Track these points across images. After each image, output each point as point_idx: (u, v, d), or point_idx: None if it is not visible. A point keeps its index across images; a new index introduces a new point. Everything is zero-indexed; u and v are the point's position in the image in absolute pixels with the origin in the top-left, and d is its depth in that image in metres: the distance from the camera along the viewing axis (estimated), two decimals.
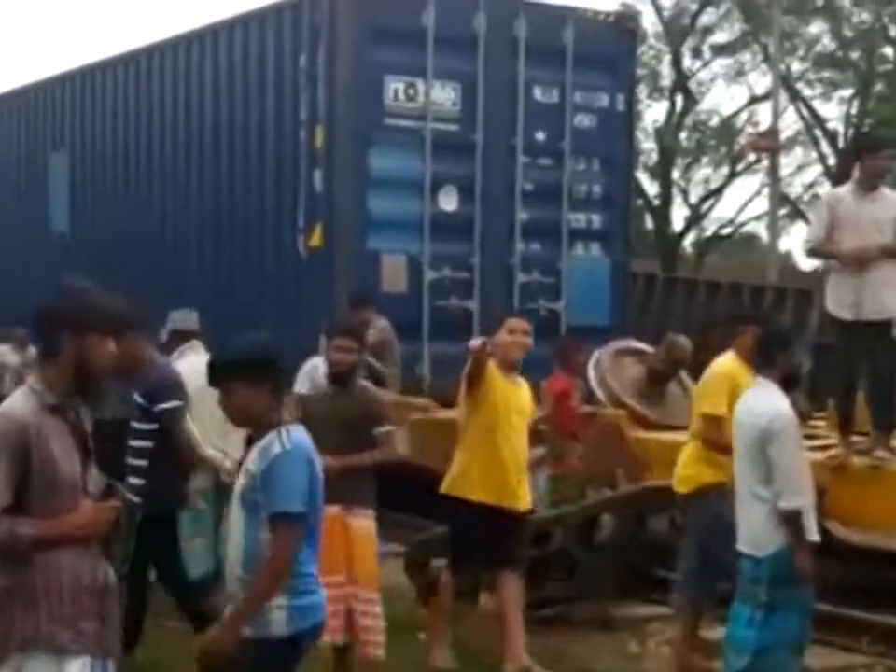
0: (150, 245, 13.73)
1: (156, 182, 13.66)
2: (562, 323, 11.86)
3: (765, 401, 5.57)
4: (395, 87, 11.09)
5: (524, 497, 6.86)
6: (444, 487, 6.89)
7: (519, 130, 11.61)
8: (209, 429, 7.36)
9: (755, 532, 5.56)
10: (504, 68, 11.52)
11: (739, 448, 5.66)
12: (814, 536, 5.43)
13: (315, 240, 11.29)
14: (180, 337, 8.12)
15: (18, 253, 16.04)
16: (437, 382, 11.19)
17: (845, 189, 8.31)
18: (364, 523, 6.35)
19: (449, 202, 11.43)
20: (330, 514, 5.92)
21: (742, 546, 5.63)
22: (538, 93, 11.75)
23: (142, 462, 6.64)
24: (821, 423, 9.38)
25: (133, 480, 6.51)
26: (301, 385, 8.38)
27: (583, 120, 11.96)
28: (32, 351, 9.41)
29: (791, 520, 5.38)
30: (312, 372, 8.47)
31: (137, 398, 6.65)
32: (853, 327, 7.75)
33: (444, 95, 11.30)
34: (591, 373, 10.09)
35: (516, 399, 6.88)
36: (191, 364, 7.66)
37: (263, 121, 11.89)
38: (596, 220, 12.20)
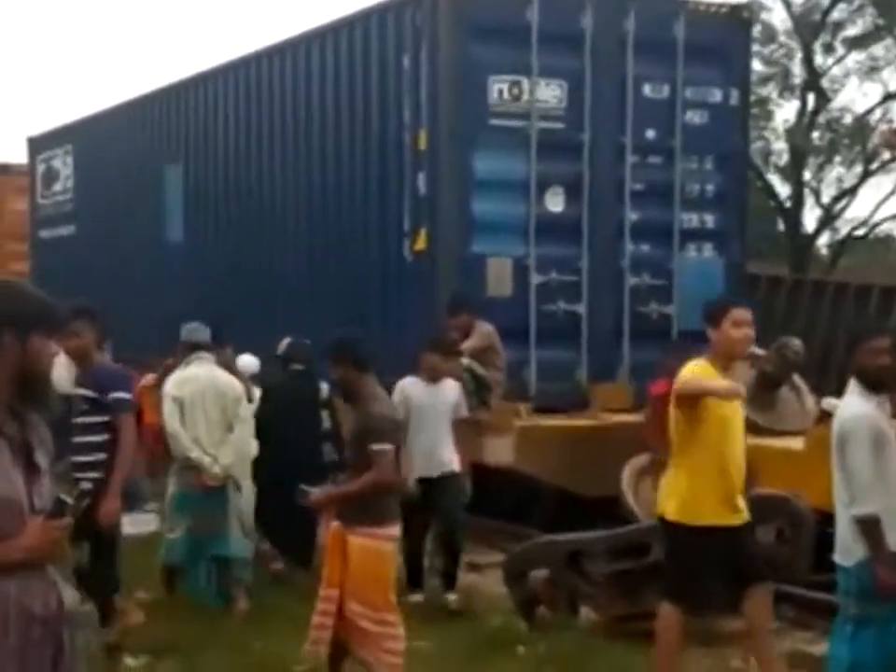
0: (260, 252, 13.78)
1: (266, 189, 13.69)
2: (674, 327, 11.49)
3: (845, 404, 5.38)
4: (499, 86, 10.85)
5: (744, 506, 6.28)
6: (673, 514, 6.17)
7: (628, 128, 11.27)
8: (201, 435, 8.10)
9: (843, 540, 5.34)
10: (612, 64, 11.20)
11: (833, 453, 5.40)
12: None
13: (420, 244, 11.13)
14: (188, 348, 8.47)
15: (135, 263, 16.24)
16: (543, 388, 10.95)
17: None
18: (358, 541, 6.00)
19: (555, 203, 11.14)
20: (333, 529, 6.08)
21: (835, 555, 5.35)
22: (647, 90, 11.39)
23: (98, 456, 6.78)
24: None
25: (92, 474, 6.65)
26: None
27: (695, 117, 11.56)
28: None
29: (865, 527, 5.13)
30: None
31: (86, 391, 6.81)
32: None
33: (550, 93, 11.02)
34: None
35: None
36: (191, 373, 8.30)
37: (367, 125, 11.78)
38: (710, 220, 11.78)
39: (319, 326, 12.55)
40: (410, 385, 8.59)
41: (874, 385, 5.31)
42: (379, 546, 6.01)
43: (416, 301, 11.16)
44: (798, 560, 7.20)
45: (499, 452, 10.15)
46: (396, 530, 6.16)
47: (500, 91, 10.86)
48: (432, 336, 8.96)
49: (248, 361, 10.26)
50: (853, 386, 5.39)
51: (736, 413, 6.21)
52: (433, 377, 8.58)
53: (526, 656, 7.16)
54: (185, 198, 15.40)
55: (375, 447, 5.95)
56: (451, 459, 8.46)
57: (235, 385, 8.45)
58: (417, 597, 8.37)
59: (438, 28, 10.81)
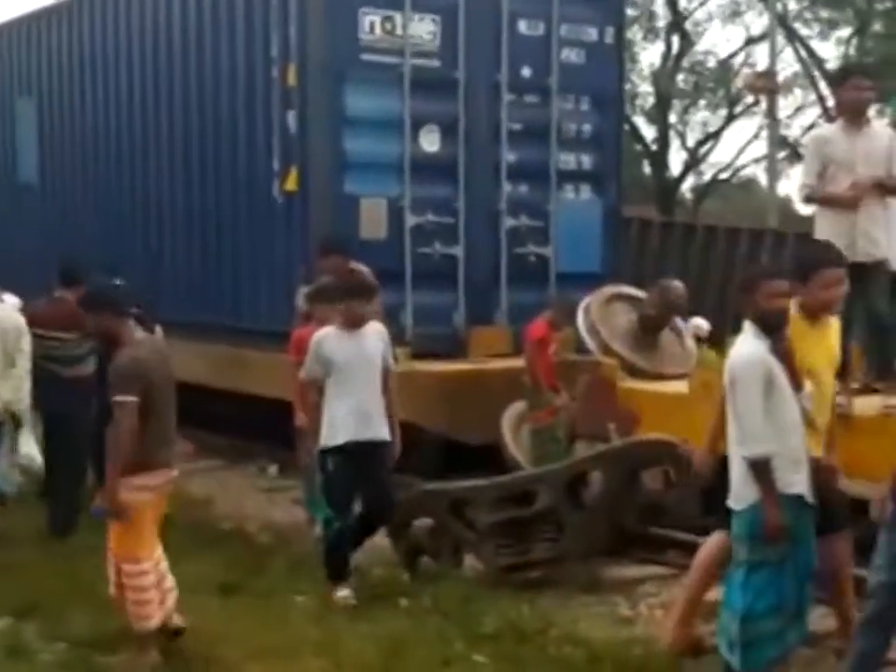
0: (121, 192, 13.24)
1: (124, 127, 13.12)
2: (551, 269, 11.31)
3: (738, 346, 5.25)
4: (370, 20, 10.45)
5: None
6: None
7: (503, 65, 10.98)
8: None
9: (735, 484, 5.23)
10: (486, 0, 10.89)
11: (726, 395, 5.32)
12: (793, 488, 5.02)
13: (291, 184, 10.73)
14: None
15: None
16: (420, 332, 10.69)
17: (834, 127, 7.94)
18: None
19: (431, 142, 10.82)
20: None
21: (729, 500, 5.27)
22: (522, 26, 11.10)
23: None
24: None
25: None
26: None
27: (571, 55, 11.32)
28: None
29: (756, 469, 5.04)
30: None
31: None
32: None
33: (423, 29, 10.66)
34: (580, 321, 9.61)
35: None
36: None
37: (233, 59, 11.29)
38: (587, 161, 11.59)
39: (188, 270, 12.22)
40: (328, 338, 7.22)
41: (770, 327, 5.19)
42: (127, 496, 5.91)
43: (288, 244, 10.79)
44: (685, 505, 7.09)
45: None
46: (151, 479, 6.02)
47: (372, 26, 10.46)
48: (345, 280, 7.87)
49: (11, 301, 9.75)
50: (748, 328, 5.26)
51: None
52: (354, 323, 7.24)
53: (410, 608, 6.93)
54: (39, 134, 14.72)
55: (117, 398, 5.87)
56: (383, 423, 7.25)
57: (17, 319, 8.25)
58: (345, 593, 7.15)
59: None
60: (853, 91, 7.60)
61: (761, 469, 5.02)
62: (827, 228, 7.69)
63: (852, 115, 7.58)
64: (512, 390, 9.68)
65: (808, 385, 5.31)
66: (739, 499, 5.18)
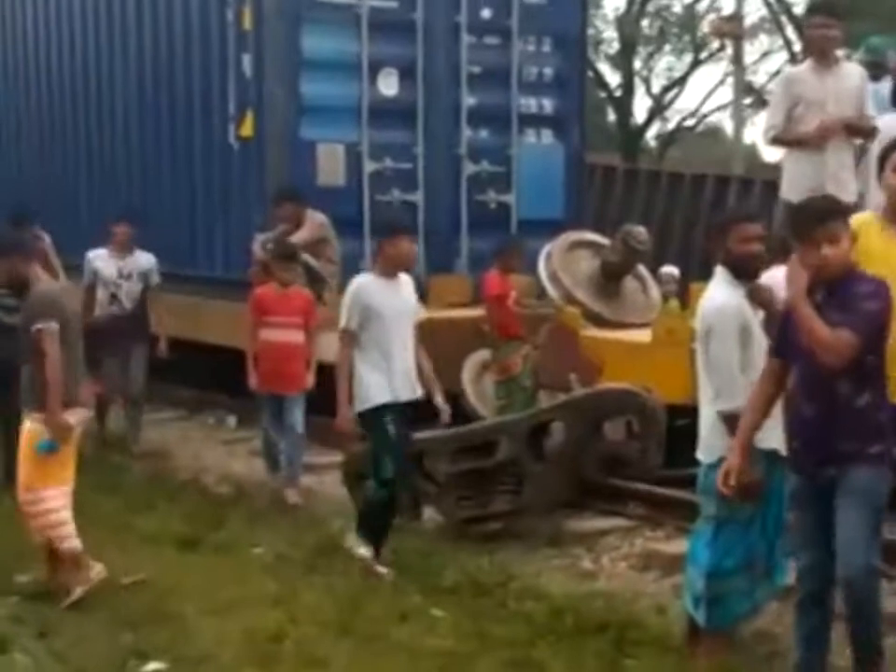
0: (75, 138, 12.92)
1: (78, 71, 12.77)
2: (513, 216, 11.11)
3: (710, 293, 5.04)
4: None
5: None
6: None
7: (462, 6, 10.72)
8: None
9: (706, 437, 5.05)
10: None
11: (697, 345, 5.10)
12: (766, 443, 4.83)
13: (246, 129, 10.45)
14: None
15: None
16: None
17: (803, 67, 7.77)
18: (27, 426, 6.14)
19: (389, 86, 10.57)
20: None
21: (697, 452, 5.09)
22: None
23: None
24: None
25: None
26: None
27: None
28: None
29: (731, 423, 4.81)
30: None
31: None
32: None
33: None
34: (541, 268, 9.44)
35: None
36: None
37: (187, 3, 10.97)
38: (548, 105, 11.36)
39: (146, 217, 11.95)
40: (369, 287, 6.60)
41: (743, 273, 4.98)
42: (34, 426, 6.02)
43: (244, 190, 10.53)
44: (648, 456, 6.96)
45: (334, 348, 9.67)
46: (70, 416, 6.04)
47: None
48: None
49: None
50: (720, 275, 5.05)
51: None
52: (393, 271, 6.65)
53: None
54: None
55: (40, 325, 5.94)
56: (417, 381, 6.76)
57: None
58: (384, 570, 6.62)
59: None
60: (817, 30, 7.45)
61: (735, 424, 4.78)
62: (795, 171, 7.55)
63: (820, 54, 7.43)
64: (473, 340, 9.53)
65: None
66: (709, 452, 5.00)
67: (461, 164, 10.89)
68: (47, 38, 13.31)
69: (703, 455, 5.05)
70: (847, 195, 7.19)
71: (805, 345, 4.42)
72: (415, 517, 7.42)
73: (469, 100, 10.86)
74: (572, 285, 9.29)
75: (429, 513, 7.47)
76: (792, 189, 7.43)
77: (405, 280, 6.73)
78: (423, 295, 10.50)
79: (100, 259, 9.84)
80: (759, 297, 4.99)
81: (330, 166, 10.34)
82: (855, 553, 4.36)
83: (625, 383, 7.30)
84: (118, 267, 9.81)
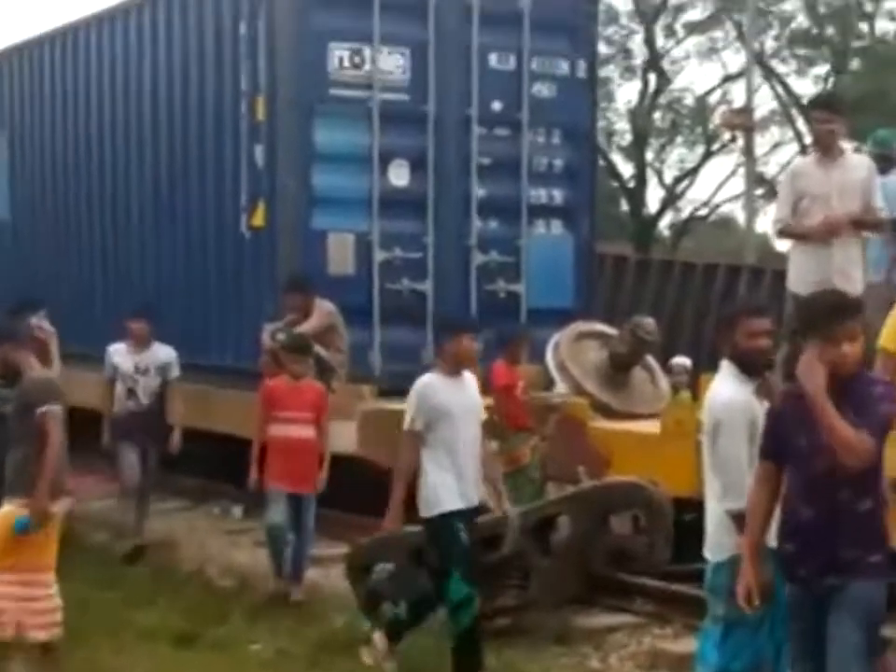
0: (91, 227, 13.07)
1: (95, 162, 12.94)
2: (522, 306, 11.12)
3: (718, 388, 4.93)
4: (339, 54, 10.31)
5: None
6: None
7: (473, 99, 10.82)
8: None
9: (713, 534, 4.91)
10: (456, 33, 10.73)
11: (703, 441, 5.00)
12: (774, 541, 4.69)
13: (258, 219, 10.55)
14: None
15: None
16: (388, 370, 10.48)
17: (808, 160, 7.79)
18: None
19: (399, 177, 10.66)
20: None
21: (705, 551, 4.97)
22: (493, 60, 10.94)
23: None
24: None
25: None
26: None
27: (542, 89, 11.17)
28: None
29: (739, 522, 4.67)
30: None
31: None
32: None
33: (393, 63, 10.52)
34: (549, 359, 9.42)
35: None
36: None
37: (203, 95, 11.13)
38: (558, 196, 11.41)
39: (158, 305, 11.99)
40: (432, 384, 6.48)
41: (750, 368, 4.88)
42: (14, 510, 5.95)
43: (255, 279, 10.60)
44: (655, 551, 6.86)
45: (342, 438, 9.64)
46: (54, 505, 6.02)
47: (341, 60, 10.32)
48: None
49: None
50: (727, 369, 4.95)
51: None
52: (457, 369, 6.51)
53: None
54: (10, 169, 14.53)
55: (44, 408, 5.97)
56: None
57: None
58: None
59: None
60: (818, 124, 7.50)
61: (744, 523, 4.62)
62: (801, 264, 7.54)
63: (824, 148, 7.46)
64: (483, 429, 9.46)
65: None
66: (717, 550, 4.87)
67: (471, 254, 10.93)
68: (63, 136, 13.50)
69: (710, 553, 4.93)
70: (854, 289, 7.18)
71: (806, 446, 4.29)
72: None
73: (479, 191, 10.92)
74: (580, 375, 9.26)
75: None
76: (799, 282, 7.42)
77: (469, 378, 6.55)
78: None
79: (118, 353, 9.77)
80: (770, 392, 4.90)
81: (341, 255, 10.39)
82: None
83: (633, 475, 7.24)
84: (135, 362, 9.71)
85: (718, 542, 4.87)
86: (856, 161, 7.68)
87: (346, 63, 10.35)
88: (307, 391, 8.28)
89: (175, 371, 9.84)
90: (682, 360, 11.65)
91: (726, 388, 4.89)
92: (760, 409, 4.82)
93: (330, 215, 10.36)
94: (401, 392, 10.25)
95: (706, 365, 11.97)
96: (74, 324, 11.75)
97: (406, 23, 10.54)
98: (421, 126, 10.63)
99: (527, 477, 8.84)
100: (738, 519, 4.69)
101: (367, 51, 10.39)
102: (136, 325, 9.75)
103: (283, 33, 10.22)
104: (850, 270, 7.35)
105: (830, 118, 7.41)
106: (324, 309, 9.82)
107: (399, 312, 10.54)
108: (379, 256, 10.51)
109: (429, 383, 6.46)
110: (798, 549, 4.37)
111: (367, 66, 10.40)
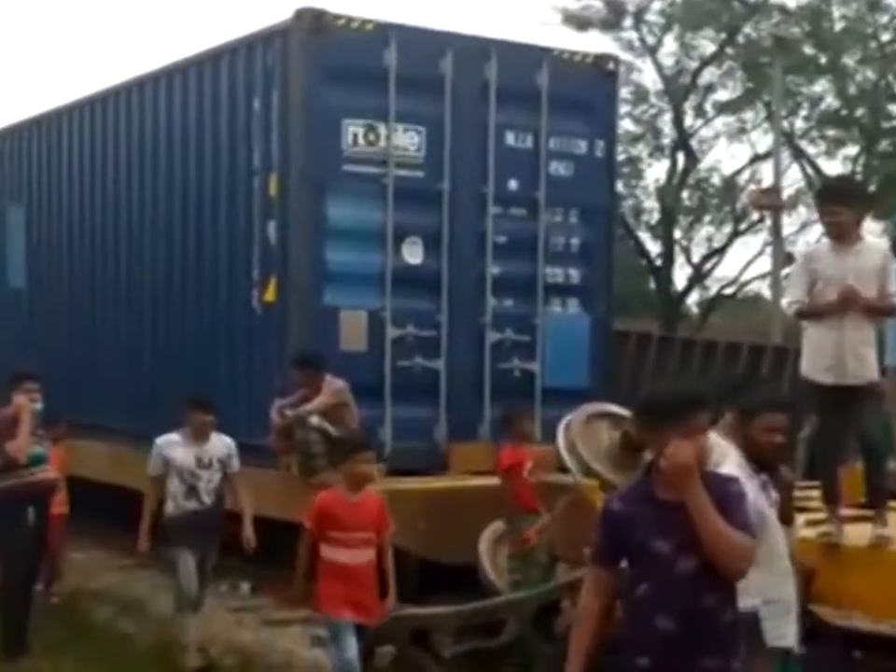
0: (104, 300, 13.12)
1: (109, 234, 13.04)
2: (537, 385, 11.00)
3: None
4: (354, 131, 10.31)
5: None
6: None
7: (490, 178, 10.80)
8: None
9: None
10: (473, 111, 10.74)
11: None
12: (784, 641, 4.48)
13: (270, 295, 10.52)
14: None
15: None
16: (399, 448, 10.37)
17: (822, 245, 7.63)
18: None
19: (413, 254, 10.61)
20: None
21: None
22: (510, 139, 10.95)
23: None
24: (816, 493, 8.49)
25: None
26: None
27: (559, 168, 11.15)
28: None
29: (745, 622, 4.39)
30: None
31: None
32: (834, 392, 6.94)
33: (408, 140, 10.52)
34: (560, 440, 9.21)
35: None
36: None
37: (217, 170, 11.18)
38: (575, 275, 11.35)
39: (169, 381, 11.96)
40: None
41: (763, 463, 4.74)
42: None
43: (266, 355, 10.54)
44: None
45: None
46: None
47: (355, 136, 10.32)
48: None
49: None
50: (734, 457, 4.75)
51: None
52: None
53: None
54: (27, 241, 14.63)
55: None
56: None
57: None
58: None
59: (289, 69, 10.27)
60: (823, 217, 7.37)
61: (749, 625, 4.43)
62: (815, 347, 7.39)
63: (832, 237, 7.34)
64: (494, 509, 9.31)
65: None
66: None
67: (485, 332, 10.85)
68: (79, 209, 13.66)
69: None
70: (869, 373, 7.02)
71: (669, 549, 3.91)
72: None
73: (494, 269, 10.87)
74: (590, 456, 9.05)
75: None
76: (813, 366, 7.27)
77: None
78: (443, 462, 10.46)
79: (173, 446, 8.46)
80: (783, 488, 4.72)
81: (353, 332, 10.33)
82: None
83: None
84: (196, 455, 8.45)
85: None
86: (872, 246, 7.50)
87: (361, 140, 10.35)
88: (368, 505, 7.08)
89: (236, 464, 8.65)
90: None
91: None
92: (766, 503, 4.66)
93: (343, 291, 10.30)
94: (412, 471, 10.24)
95: None
96: (84, 396, 11.74)
97: (422, 100, 10.55)
98: (436, 204, 10.61)
99: (534, 559, 8.65)
100: (743, 618, 4.37)
101: (382, 128, 10.39)
102: (202, 417, 8.50)
103: (296, 109, 10.23)
104: (863, 351, 7.19)
105: (833, 209, 7.29)
106: (334, 386, 9.74)
107: (410, 389, 10.44)
108: (392, 333, 10.44)
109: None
110: (654, 663, 3.96)
111: (381, 143, 10.40)
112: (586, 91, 11.28)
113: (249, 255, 10.69)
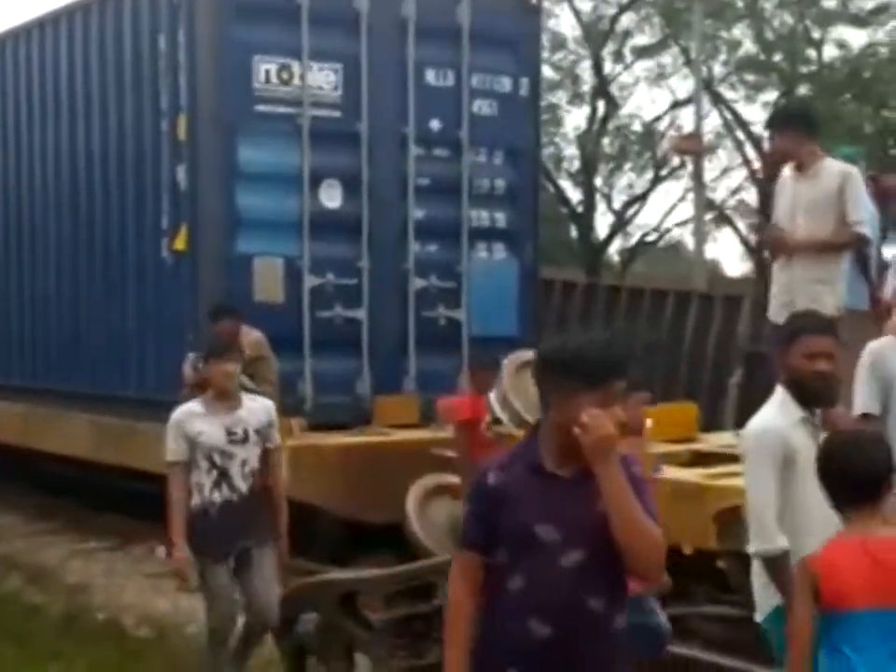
0: (9, 252, 12.48)
1: (11, 183, 12.37)
2: (464, 333, 10.59)
3: (756, 415, 4.28)
4: (266, 69, 9.76)
5: None
6: None
7: (410, 117, 10.31)
8: None
9: (755, 591, 4.25)
10: (391, 48, 10.23)
11: None
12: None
13: (180, 243, 9.96)
14: None
15: None
16: (320, 402, 9.92)
17: (787, 172, 7.23)
18: None
19: (331, 198, 10.10)
20: None
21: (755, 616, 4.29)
22: (430, 77, 10.46)
23: None
24: None
25: None
26: None
27: (483, 107, 10.68)
28: None
29: (771, 569, 4.04)
30: None
31: None
32: None
33: (323, 78, 9.98)
34: (491, 391, 8.85)
35: None
36: None
37: (121, 112, 10.57)
38: (501, 218, 10.91)
39: (74, 334, 11.41)
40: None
41: (807, 396, 4.18)
42: None
43: (177, 306, 10.00)
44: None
45: None
46: None
47: (267, 75, 9.78)
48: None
49: None
50: (777, 395, 4.26)
51: None
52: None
53: None
54: None
55: None
56: None
57: None
58: None
59: (196, 4, 9.68)
60: (769, 142, 7.06)
61: (778, 569, 3.99)
62: (773, 287, 7.08)
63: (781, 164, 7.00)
64: (421, 464, 8.92)
65: None
66: (759, 609, 4.20)
67: (409, 279, 10.40)
68: None
69: (757, 613, 4.23)
70: (824, 309, 6.65)
71: (557, 536, 3.27)
72: (348, 667, 6.72)
73: (416, 213, 10.41)
74: (523, 408, 8.71)
75: (363, 661, 6.78)
76: (772, 306, 6.95)
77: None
78: (367, 416, 10.03)
79: (195, 418, 6.30)
80: (835, 425, 4.20)
81: (268, 281, 9.83)
82: None
83: None
84: (225, 426, 6.28)
85: (758, 599, 4.20)
86: (831, 170, 6.99)
87: (273, 79, 9.81)
88: None
89: (277, 435, 6.54)
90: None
91: (764, 415, 4.22)
92: (806, 443, 4.11)
93: (257, 238, 9.78)
94: (335, 426, 9.81)
95: (659, 397, 11.52)
96: None
97: (337, 37, 10.05)
98: (354, 145, 10.11)
99: None
100: (768, 563, 4.07)
101: (295, 66, 9.86)
102: (224, 366, 6.30)
103: (204, 46, 9.66)
104: (817, 290, 6.79)
105: (774, 135, 6.95)
106: (251, 338, 9.22)
107: (331, 341, 9.98)
108: (310, 282, 9.94)
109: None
110: None
111: (296, 82, 9.87)
112: (509, 26, 10.83)
113: (158, 202, 10.13)
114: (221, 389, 6.28)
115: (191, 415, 6.29)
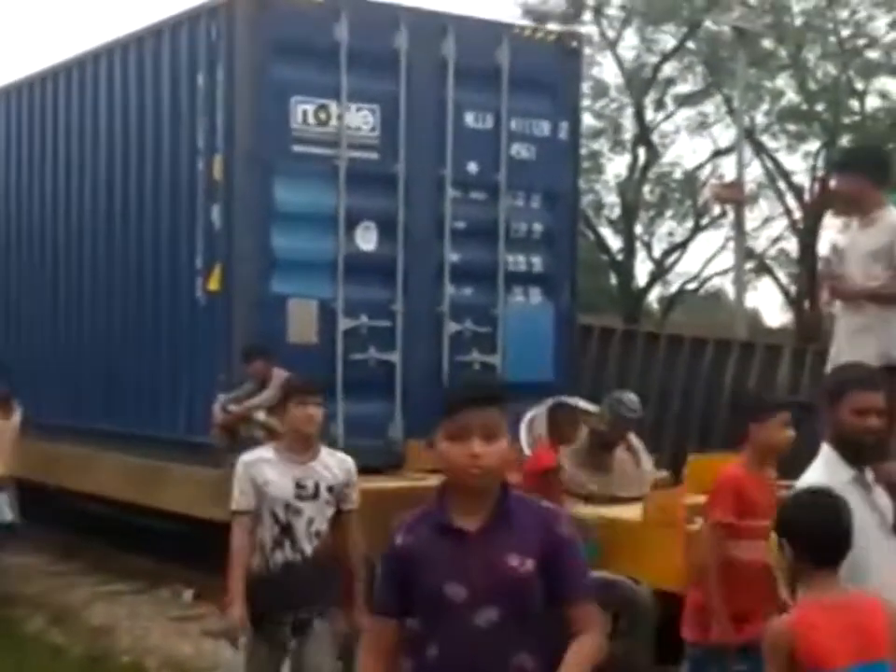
0: (43, 290, 12.45)
1: (48, 221, 12.36)
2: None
3: (805, 476, 4.08)
4: (303, 109, 9.70)
5: None
6: None
7: (448, 160, 10.21)
8: None
9: None
10: (430, 90, 10.14)
11: None
12: None
13: (214, 284, 9.88)
14: None
15: None
16: (352, 445, 9.74)
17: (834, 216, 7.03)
18: None
19: (367, 240, 10.00)
20: None
21: None
22: (469, 119, 10.37)
23: None
24: None
25: None
26: None
27: (521, 150, 10.58)
28: None
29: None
30: None
31: None
32: None
33: (361, 119, 9.91)
34: (523, 437, 8.69)
35: None
36: None
37: (158, 151, 10.54)
38: (537, 263, 10.78)
39: (106, 373, 11.35)
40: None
41: (856, 453, 4.00)
42: None
43: (210, 347, 9.90)
44: (637, 655, 6.10)
45: None
46: None
47: (305, 115, 9.71)
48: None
49: None
50: (824, 453, 4.08)
51: None
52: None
53: None
54: None
55: None
56: None
57: None
58: None
59: (235, 43, 9.63)
60: (836, 184, 6.81)
61: None
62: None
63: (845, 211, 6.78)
64: None
65: None
66: None
67: (443, 323, 10.27)
68: (17, 193, 12.96)
69: None
70: (866, 358, 6.43)
71: (459, 596, 3.10)
72: None
73: (452, 256, 10.29)
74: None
75: None
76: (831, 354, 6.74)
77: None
78: (399, 460, 9.87)
79: (264, 465, 5.58)
80: (889, 481, 4.03)
81: (302, 323, 9.71)
82: None
83: (613, 566, 6.51)
84: (295, 479, 5.57)
85: None
86: (885, 222, 6.79)
87: (311, 119, 9.74)
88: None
89: (356, 497, 5.80)
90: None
91: (811, 475, 4.02)
92: (861, 504, 3.87)
93: (292, 280, 9.67)
94: (366, 469, 9.64)
95: (694, 444, 11.31)
96: (23, 392, 11.10)
97: (375, 78, 9.96)
98: (391, 187, 10.01)
99: None
100: None
101: (333, 107, 9.79)
102: (306, 410, 5.61)
103: (242, 85, 9.60)
104: (861, 339, 6.57)
105: (837, 177, 6.75)
106: (282, 379, 9.13)
107: (364, 383, 9.84)
108: (344, 324, 9.83)
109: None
110: None
111: (333, 122, 9.79)
112: (549, 69, 10.73)
113: (193, 241, 10.06)
114: (301, 435, 5.57)
115: (260, 461, 5.58)
